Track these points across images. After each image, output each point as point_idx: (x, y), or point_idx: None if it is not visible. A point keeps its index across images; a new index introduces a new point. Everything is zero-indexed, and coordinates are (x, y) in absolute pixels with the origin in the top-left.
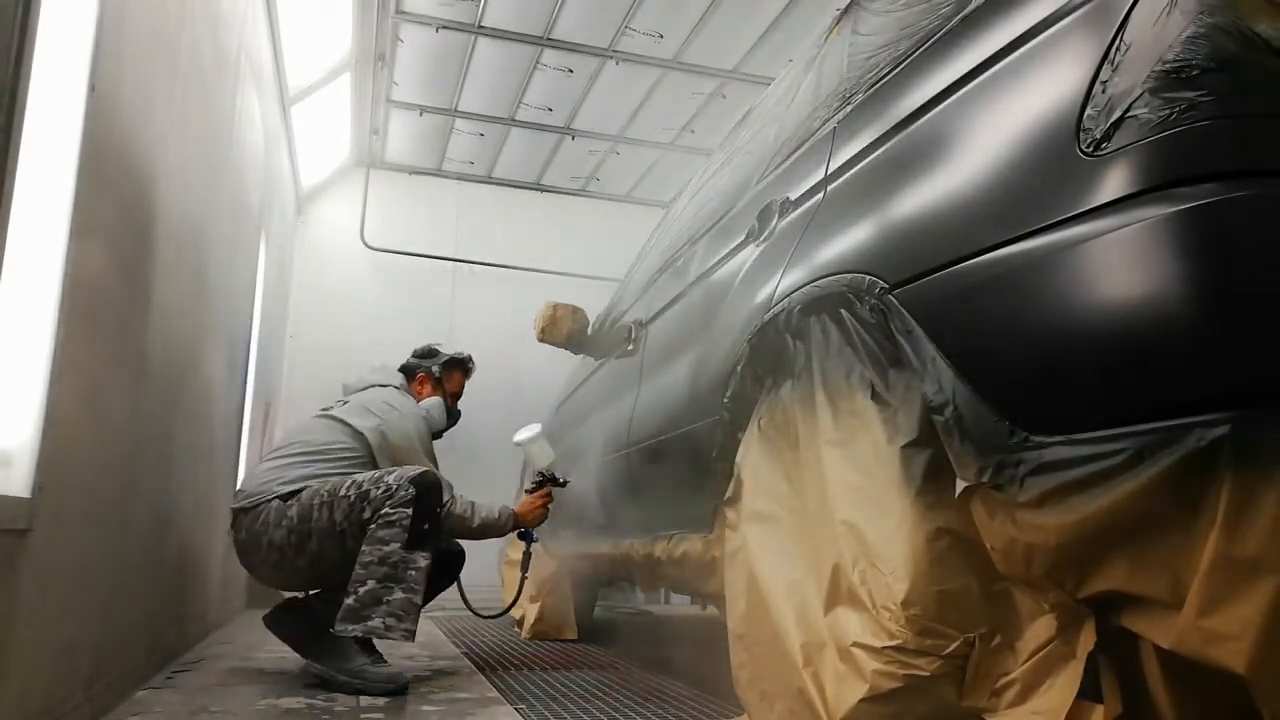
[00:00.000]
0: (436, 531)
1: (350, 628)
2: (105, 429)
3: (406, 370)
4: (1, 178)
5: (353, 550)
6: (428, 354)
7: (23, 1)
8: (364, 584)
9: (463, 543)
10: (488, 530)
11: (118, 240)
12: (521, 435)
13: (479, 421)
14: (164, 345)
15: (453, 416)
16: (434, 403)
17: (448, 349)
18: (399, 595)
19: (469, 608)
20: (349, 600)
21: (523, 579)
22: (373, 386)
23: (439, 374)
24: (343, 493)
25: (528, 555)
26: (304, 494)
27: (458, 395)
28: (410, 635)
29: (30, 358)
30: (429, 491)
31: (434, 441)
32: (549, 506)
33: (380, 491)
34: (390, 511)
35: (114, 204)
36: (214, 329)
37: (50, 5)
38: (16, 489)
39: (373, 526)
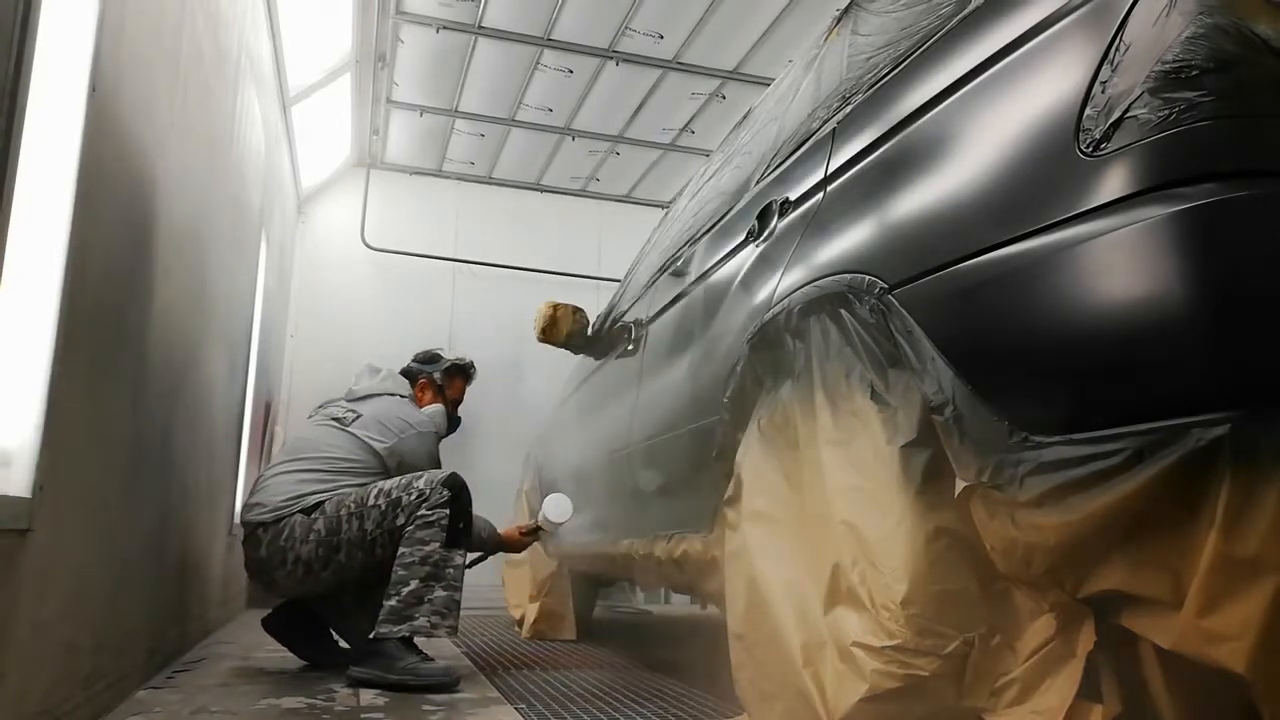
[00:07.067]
0: (470, 531)
1: (395, 629)
2: (106, 428)
3: (408, 375)
4: (2, 179)
5: (381, 558)
6: (429, 359)
7: (23, 3)
8: (406, 584)
9: None
10: (474, 548)
11: (118, 240)
12: (554, 515)
13: (478, 422)
14: (164, 345)
15: (453, 424)
16: (436, 410)
17: (449, 354)
18: (440, 593)
19: None
20: (391, 602)
21: (471, 564)
22: (383, 395)
23: (440, 381)
24: (371, 502)
25: (476, 562)
26: (327, 506)
27: (458, 401)
28: (454, 630)
29: (31, 357)
30: (462, 491)
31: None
32: (530, 543)
33: (413, 497)
34: (428, 513)
35: (114, 205)
36: (214, 329)
37: (51, 6)
38: (17, 489)
39: (410, 528)
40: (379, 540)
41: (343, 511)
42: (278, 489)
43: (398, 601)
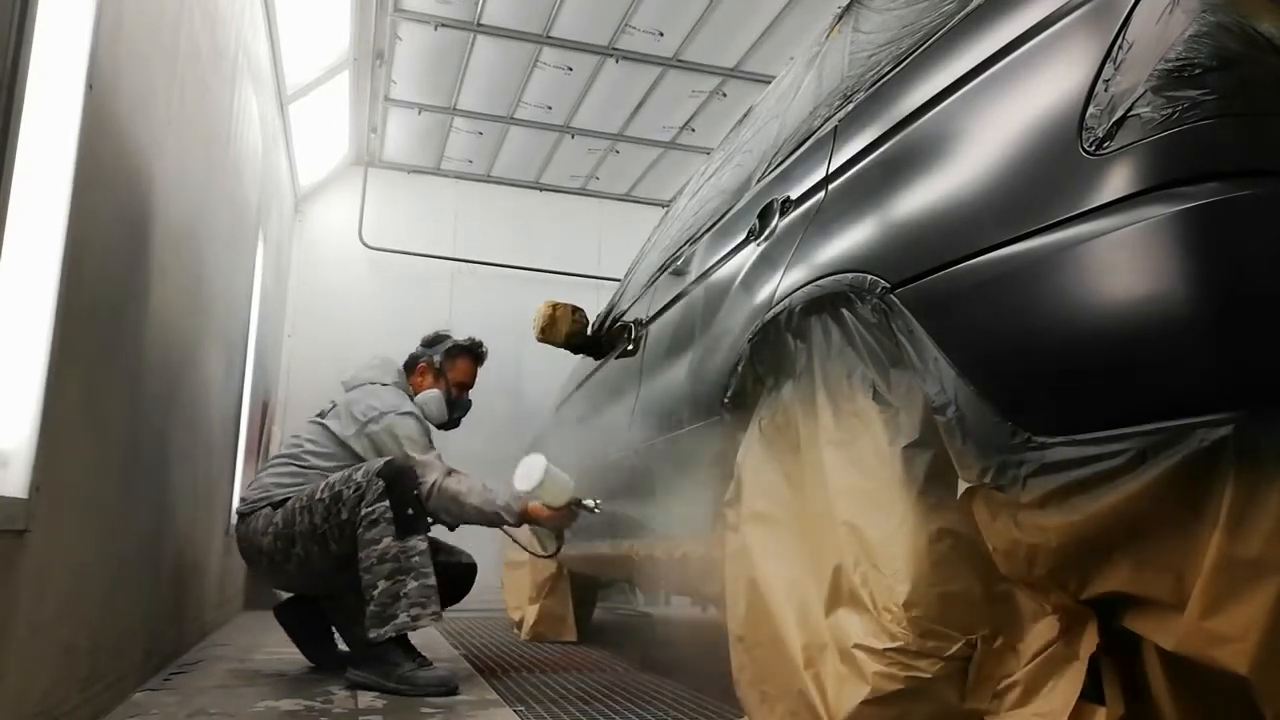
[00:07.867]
0: (422, 513)
1: (382, 631)
2: (102, 429)
3: (409, 361)
4: None
5: (336, 552)
6: (432, 341)
7: (20, 0)
8: (375, 586)
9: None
10: (485, 514)
11: (114, 239)
12: (524, 483)
13: (476, 421)
14: (161, 345)
15: (458, 407)
16: (429, 396)
17: (459, 335)
18: (412, 584)
19: (527, 550)
20: (370, 606)
21: (555, 552)
22: (364, 384)
23: (440, 363)
24: (318, 495)
25: (558, 550)
26: (289, 501)
27: (465, 385)
28: (438, 616)
29: (27, 357)
30: (399, 477)
31: (448, 431)
32: (566, 519)
33: (352, 491)
34: (369, 510)
35: (111, 203)
36: (211, 328)
37: (48, 3)
38: (13, 489)
39: (359, 530)
40: (330, 534)
41: (296, 505)
42: (259, 483)
43: (375, 605)
